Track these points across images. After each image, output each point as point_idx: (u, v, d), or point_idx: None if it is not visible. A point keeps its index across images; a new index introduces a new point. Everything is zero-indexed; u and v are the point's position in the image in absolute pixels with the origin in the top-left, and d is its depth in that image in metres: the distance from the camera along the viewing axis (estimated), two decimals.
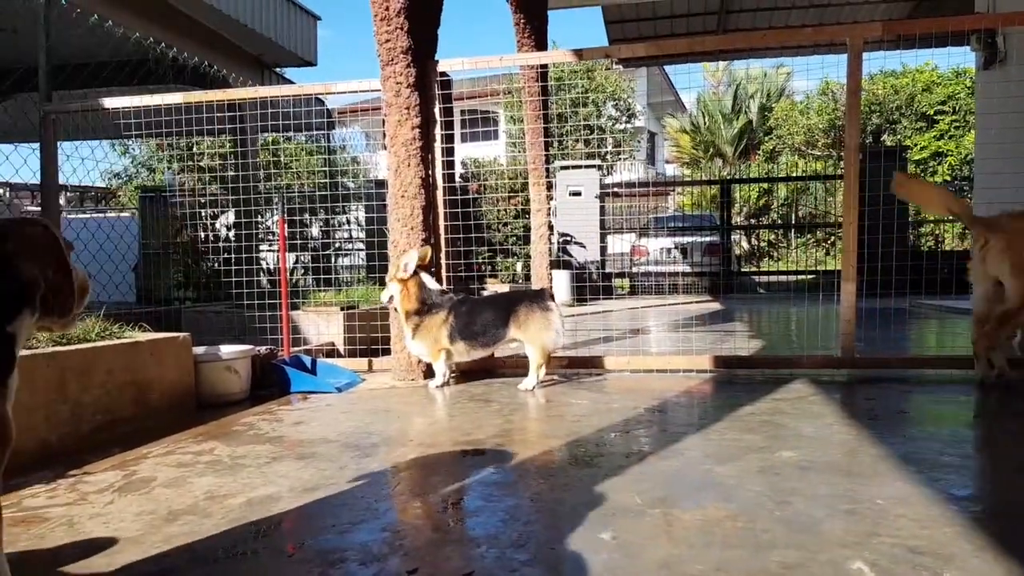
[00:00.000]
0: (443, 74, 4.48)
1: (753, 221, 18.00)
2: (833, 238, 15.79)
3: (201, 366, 3.70)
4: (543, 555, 1.80)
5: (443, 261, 4.48)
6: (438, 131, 4.46)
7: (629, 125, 18.73)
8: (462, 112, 22.19)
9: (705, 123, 24.68)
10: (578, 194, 11.48)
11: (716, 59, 21.48)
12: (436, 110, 4.44)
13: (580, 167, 11.50)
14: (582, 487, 2.31)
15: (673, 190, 17.18)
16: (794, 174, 15.92)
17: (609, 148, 17.66)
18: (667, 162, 27.84)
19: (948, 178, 16.01)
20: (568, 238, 11.37)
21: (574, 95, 13.90)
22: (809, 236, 15.93)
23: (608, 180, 13.68)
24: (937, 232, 14.30)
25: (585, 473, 2.47)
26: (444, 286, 4.36)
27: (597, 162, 12.31)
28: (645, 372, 4.39)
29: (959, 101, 16.53)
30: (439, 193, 4.47)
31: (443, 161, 4.50)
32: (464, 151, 13.35)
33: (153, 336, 3.48)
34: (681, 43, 7.23)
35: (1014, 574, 1.62)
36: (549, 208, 7.01)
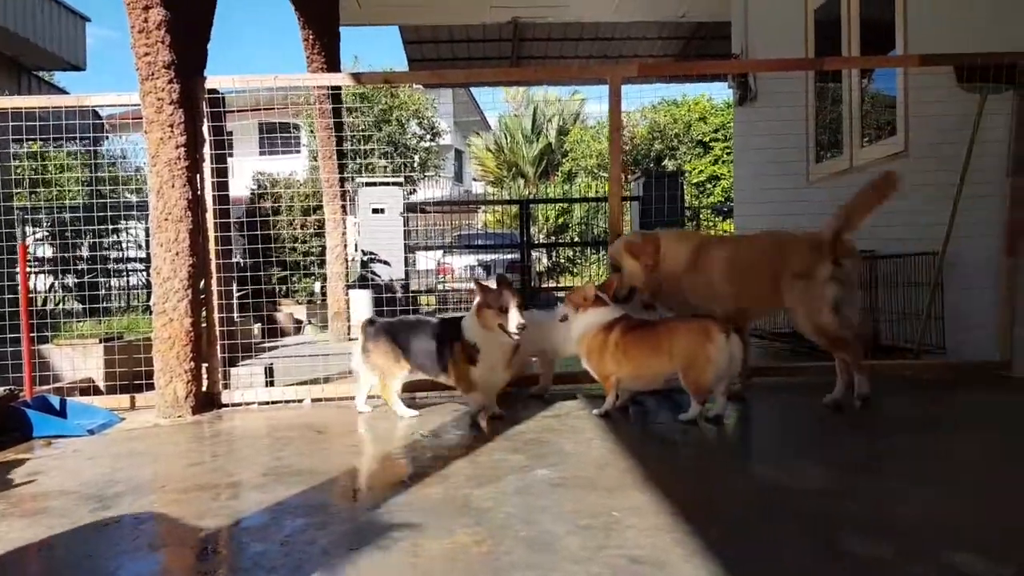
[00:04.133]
0: (213, 91, 4.24)
1: (553, 239, 18.87)
2: None
3: None
4: None
5: (214, 287, 4.22)
6: (207, 150, 4.21)
7: (433, 143, 18.92)
8: (261, 125, 21.23)
9: (508, 143, 25.57)
10: (381, 211, 11.38)
11: (500, 86, 22.40)
12: (205, 128, 4.19)
13: (379, 184, 11.42)
14: (338, 524, 2.26)
15: (478, 208, 17.60)
16: (589, 195, 16.89)
17: (416, 165, 17.70)
18: (475, 180, 28.50)
19: (722, 199, 17.86)
20: (371, 256, 11.21)
21: (377, 112, 13.79)
22: (603, 252, 16.99)
23: (413, 198, 13.72)
24: None
25: (344, 508, 2.43)
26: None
27: (400, 179, 12.30)
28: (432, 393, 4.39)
29: (729, 130, 18.56)
30: (209, 215, 4.21)
31: (214, 182, 4.25)
32: (262, 165, 12.75)
33: None
34: (460, 73, 7.49)
35: None
36: (350, 226, 6.88)
